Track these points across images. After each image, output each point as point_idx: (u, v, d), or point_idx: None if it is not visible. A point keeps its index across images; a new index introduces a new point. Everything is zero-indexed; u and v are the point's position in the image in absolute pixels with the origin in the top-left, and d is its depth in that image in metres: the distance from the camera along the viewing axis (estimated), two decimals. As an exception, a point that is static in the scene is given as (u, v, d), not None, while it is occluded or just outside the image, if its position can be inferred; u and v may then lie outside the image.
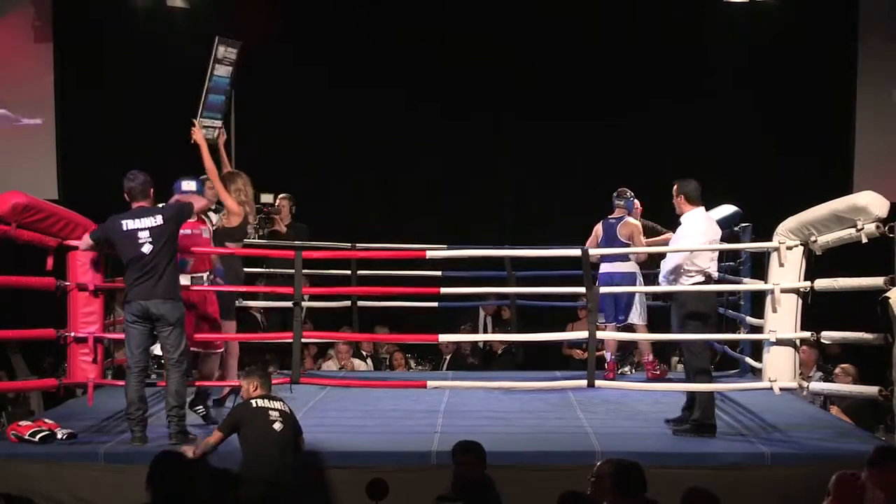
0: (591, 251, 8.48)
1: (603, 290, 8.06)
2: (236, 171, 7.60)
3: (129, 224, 6.55)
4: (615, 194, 8.96)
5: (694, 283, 6.94)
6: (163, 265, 6.52)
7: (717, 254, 7.15)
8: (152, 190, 6.72)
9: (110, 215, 6.72)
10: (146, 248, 6.50)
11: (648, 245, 8.62)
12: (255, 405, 6.03)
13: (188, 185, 7.06)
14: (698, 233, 6.96)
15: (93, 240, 6.78)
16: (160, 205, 6.79)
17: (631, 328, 8.86)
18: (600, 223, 8.91)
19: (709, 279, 6.98)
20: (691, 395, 7.02)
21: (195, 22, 11.87)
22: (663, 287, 7.14)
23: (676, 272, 6.97)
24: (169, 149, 11.28)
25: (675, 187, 7.07)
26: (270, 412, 5.98)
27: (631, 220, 8.82)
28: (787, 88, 11.80)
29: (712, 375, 7.13)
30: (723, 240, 7.82)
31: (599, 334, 7.97)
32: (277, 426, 5.93)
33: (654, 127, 11.86)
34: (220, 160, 7.67)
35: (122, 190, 6.71)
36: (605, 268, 8.84)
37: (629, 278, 8.74)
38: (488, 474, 5.43)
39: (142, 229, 6.52)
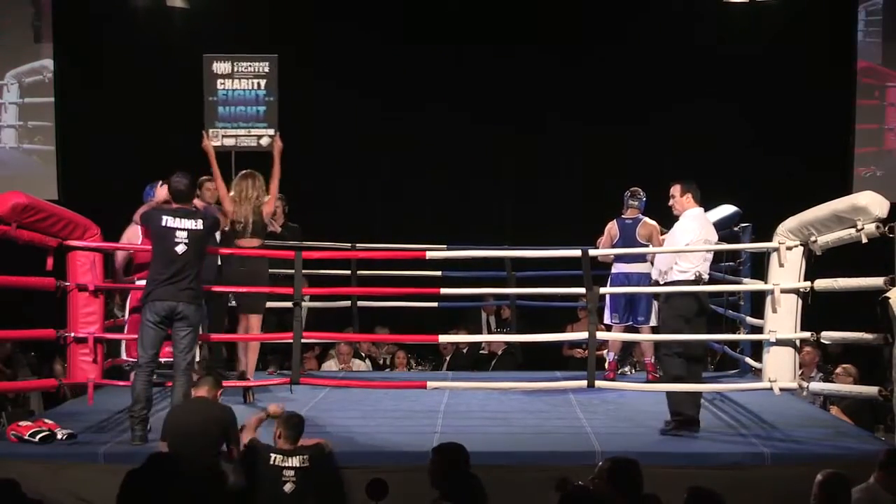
0: (606, 251, 8.49)
1: (603, 290, 8.07)
2: (249, 171, 7.81)
3: (168, 221, 6.60)
4: (628, 194, 8.82)
5: (683, 282, 6.94)
6: (193, 269, 6.59)
7: (710, 254, 7.13)
8: (197, 192, 6.80)
9: (109, 215, 6.74)
10: (180, 249, 6.55)
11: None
12: (271, 461, 5.83)
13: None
14: (692, 230, 6.97)
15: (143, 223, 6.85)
16: (196, 209, 6.80)
17: (635, 328, 8.83)
18: (613, 222, 8.75)
19: (699, 279, 6.97)
20: None
21: (195, 22, 11.87)
22: (664, 287, 7.12)
23: (666, 270, 6.98)
24: (168, 149, 11.32)
25: (678, 187, 7.07)
26: (285, 472, 5.79)
27: (649, 220, 8.71)
28: (786, 88, 11.80)
29: (685, 376, 6.99)
30: (723, 240, 7.84)
31: (604, 335, 7.98)
32: (288, 487, 5.76)
33: (653, 127, 11.86)
34: (272, 164, 7.86)
35: (121, 190, 6.74)
36: (621, 268, 8.69)
37: (646, 279, 8.60)
38: (474, 473, 5.42)
39: (180, 229, 6.57)
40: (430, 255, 7.98)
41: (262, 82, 7.86)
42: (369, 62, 11.92)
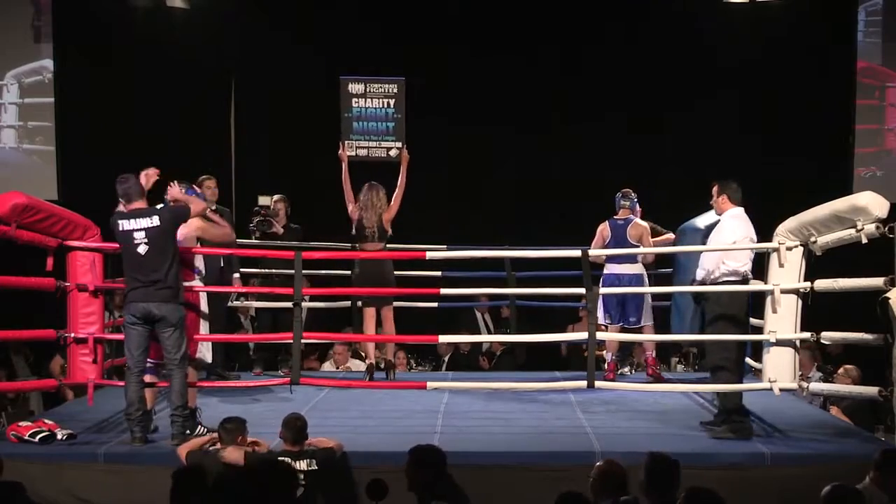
0: (597, 251, 8.51)
1: (603, 290, 8.07)
2: (374, 183, 8.64)
3: (125, 224, 6.56)
4: (620, 195, 8.86)
5: (728, 284, 6.91)
6: (163, 267, 6.50)
7: (753, 254, 7.05)
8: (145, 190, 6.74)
9: (109, 215, 6.73)
10: (142, 249, 6.50)
11: (654, 245, 8.64)
12: (284, 465, 5.75)
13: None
14: (737, 228, 6.94)
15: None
16: (158, 206, 6.77)
17: (627, 329, 8.83)
18: (605, 223, 8.80)
19: (744, 279, 6.93)
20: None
21: (195, 22, 11.87)
22: (669, 288, 7.10)
23: (713, 270, 6.97)
24: (169, 149, 11.32)
25: (715, 187, 7.07)
26: (297, 475, 5.73)
27: (640, 221, 8.76)
28: (786, 88, 11.80)
29: (737, 375, 6.99)
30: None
31: (602, 335, 7.98)
32: (300, 491, 5.70)
33: (653, 127, 11.86)
34: (400, 175, 8.70)
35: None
36: (612, 269, 8.73)
37: (637, 280, 8.67)
38: (449, 474, 5.42)
39: (137, 230, 6.52)
40: (429, 255, 8.02)
41: (392, 101, 8.75)
42: (368, 62, 11.90)
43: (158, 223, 6.53)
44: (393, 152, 8.76)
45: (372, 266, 8.53)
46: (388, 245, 8.92)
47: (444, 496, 5.14)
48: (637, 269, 8.73)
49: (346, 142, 8.80)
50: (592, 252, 8.42)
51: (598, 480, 4.99)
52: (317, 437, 6.14)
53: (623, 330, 8.78)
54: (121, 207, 6.69)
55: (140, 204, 6.61)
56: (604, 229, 8.79)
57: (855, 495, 4.80)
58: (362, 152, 8.82)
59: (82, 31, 12.05)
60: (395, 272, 9.34)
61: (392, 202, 8.66)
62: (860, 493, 4.84)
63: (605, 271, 8.78)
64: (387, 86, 8.73)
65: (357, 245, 8.78)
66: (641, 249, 8.55)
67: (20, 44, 12.14)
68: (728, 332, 6.92)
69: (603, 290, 8.26)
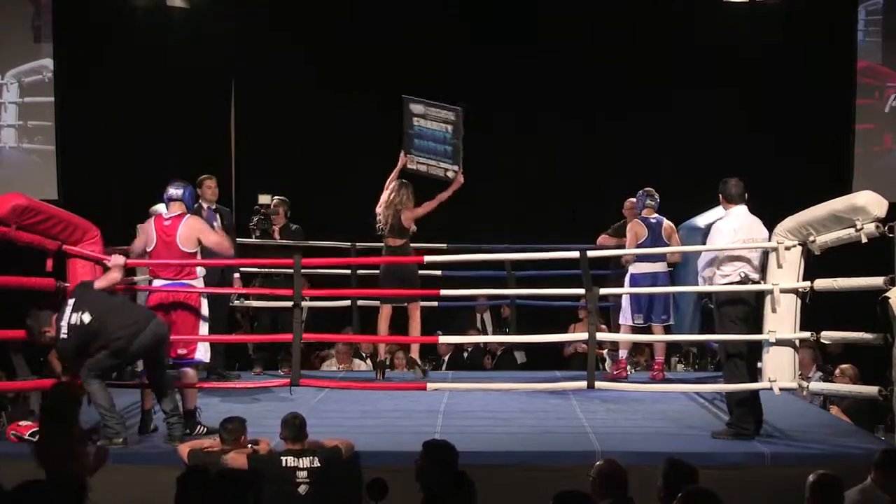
0: (632, 251, 8.52)
1: (603, 291, 8.05)
2: (402, 181, 8.85)
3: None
4: (644, 194, 8.83)
5: (728, 283, 6.90)
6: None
7: (757, 253, 6.99)
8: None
9: (108, 215, 6.78)
10: None
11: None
12: (283, 464, 5.77)
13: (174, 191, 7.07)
14: (727, 230, 6.93)
15: None
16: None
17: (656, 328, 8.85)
18: (638, 222, 8.73)
19: (746, 280, 6.90)
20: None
21: (195, 22, 11.87)
22: (689, 287, 7.07)
23: (710, 276, 6.96)
24: (169, 149, 11.34)
25: None
26: (298, 473, 5.74)
27: (666, 220, 8.77)
28: (786, 88, 11.80)
29: (748, 376, 6.96)
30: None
31: (605, 335, 7.98)
32: (303, 489, 5.72)
33: (652, 127, 11.85)
34: (444, 190, 8.85)
35: (121, 191, 6.74)
36: (647, 268, 8.67)
37: (667, 278, 8.72)
38: (466, 472, 5.40)
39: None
40: (427, 259, 8.08)
41: (450, 128, 8.85)
42: (369, 62, 11.92)
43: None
44: (450, 174, 8.87)
45: (393, 263, 8.65)
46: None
47: (445, 497, 5.12)
48: (666, 267, 8.73)
49: (408, 154, 8.97)
50: (631, 252, 8.47)
51: (598, 480, 4.98)
52: (325, 439, 6.13)
53: (646, 330, 8.76)
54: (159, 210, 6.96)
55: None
56: (639, 228, 8.71)
57: (839, 483, 4.83)
58: (422, 168, 9.00)
59: (82, 31, 12.05)
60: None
61: (419, 206, 8.76)
62: (840, 481, 4.86)
63: (639, 270, 8.72)
64: (444, 112, 8.86)
65: (384, 241, 8.84)
66: (670, 248, 8.51)
67: (20, 43, 12.14)
68: (733, 332, 6.90)
69: (605, 291, 8.24)
